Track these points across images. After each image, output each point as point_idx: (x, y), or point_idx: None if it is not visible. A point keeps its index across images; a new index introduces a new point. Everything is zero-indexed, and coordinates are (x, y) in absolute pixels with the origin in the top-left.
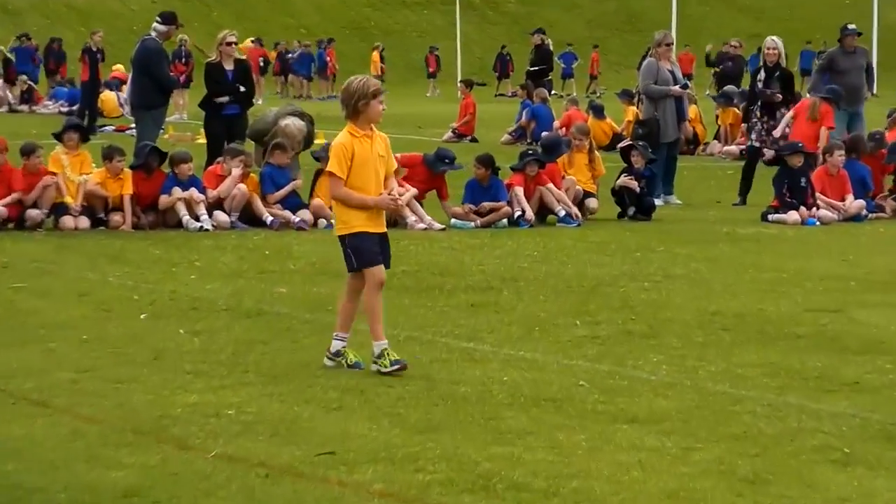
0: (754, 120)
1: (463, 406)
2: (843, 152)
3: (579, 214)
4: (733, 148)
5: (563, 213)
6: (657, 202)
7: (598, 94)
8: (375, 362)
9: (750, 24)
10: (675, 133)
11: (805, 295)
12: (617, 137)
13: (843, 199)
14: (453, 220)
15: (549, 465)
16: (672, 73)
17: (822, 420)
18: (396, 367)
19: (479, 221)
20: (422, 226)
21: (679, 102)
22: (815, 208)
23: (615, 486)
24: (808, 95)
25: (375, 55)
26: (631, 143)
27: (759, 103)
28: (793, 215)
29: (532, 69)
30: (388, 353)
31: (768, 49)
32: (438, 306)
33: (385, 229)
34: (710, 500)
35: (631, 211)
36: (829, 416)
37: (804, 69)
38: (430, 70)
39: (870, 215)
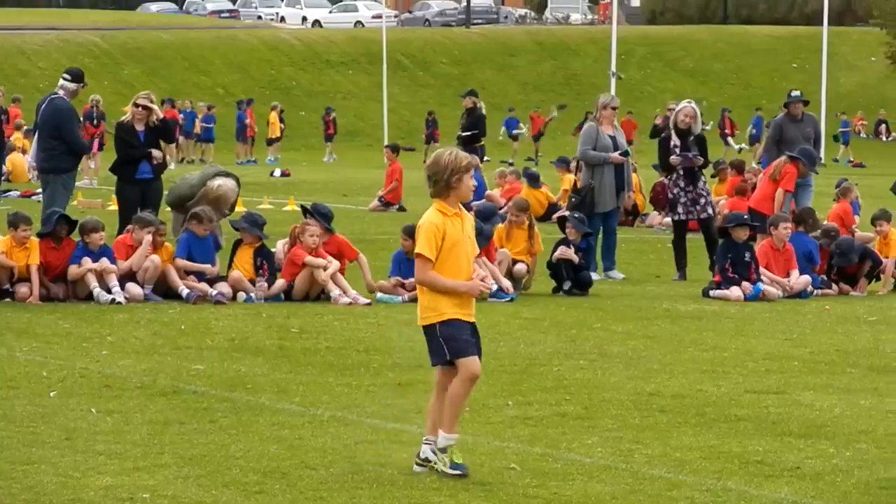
0: (677, 191)
1: (389, 490)
2: (788, 225)
3: (511, 288)
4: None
5: (495, 287)
6: (595, 276)
7: (535, 163)
8: (433, 454)
9: (694, 89)
10: (612, 203)
11: (747, 375)
12: (553, 207)
13: (788, 275)
14: (379, 295)
15: None
16: (614, 138)
17: None
18: (457, 472)
19: (406, 296)
20: (346, 300)
21: (620, 171)
22: (759, 283)
23: None
24: (753, 166)
25: (273, 116)
26: (565, 213)
27: (681, 172)
28: (735, 291)
29: (464, 134)
30: (452, 452)
31: (686, 115)
32: (364, 385)
33: (474, 319)
34: None
35: (567, 285)
36: (769, 502)
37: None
38: (328, 133)
39: (816, 292)
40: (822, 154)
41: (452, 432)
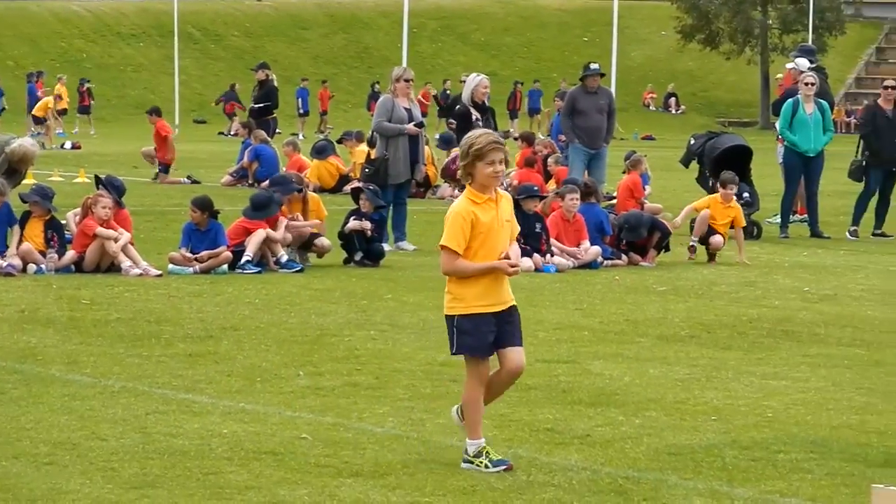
0: None
1: (181, 460)
2: (576, 196)
3: (305, 259)
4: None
5: (285, 257)
6: (387, 248)
7: (325, 134)
8: (470, 461)
9: (485, 62)
10: (405, 174)
11: (537, 345)
12: (344, 178)
13: (578, 245)
14: (170, 266)
15: None
16: (409, 111)
17: (552, 473)
18: (502, 467)
19: (197, 267)
20: (137, 271)
21: (414, 143)
22: (549, 255)
23: None
24: (540, 137)
25: (60, 88)
26: (360, 185)
27: None
28: (526, 262)
29: (256, 106)
30: (487, 452)
31: (484, 88)
32: (155, 356)
33: (512, 301)
34: None
35: (358, 256)
36: (560, 469)
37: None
38: (82, 104)
39: (605, 262)
40: (615, 127)
41: (477, 437)
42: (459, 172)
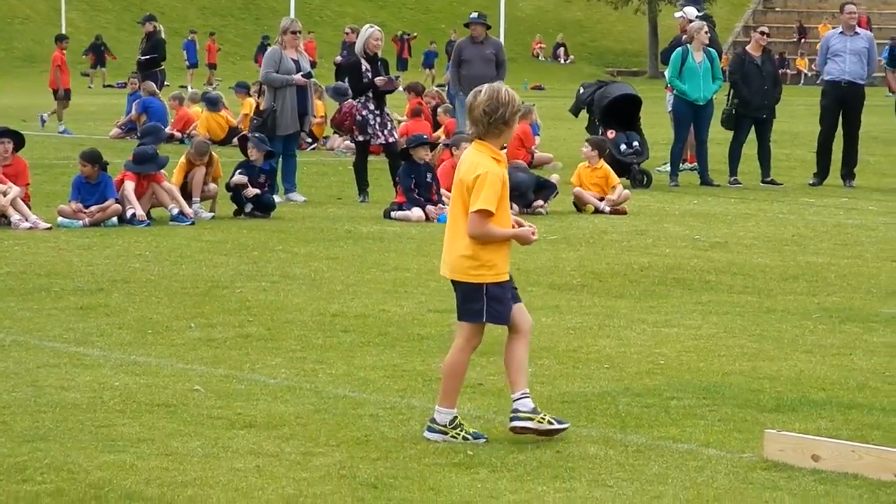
0: (366, 113)
1: (73, 413)
2: (469, 146)
3: (192, 213)
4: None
5: (175, 210)
6: (277, 199)
7: (213, 86)
8: (441, 431)
9: (373, 13)
10: (294, 126)
11: (429, 295)
12: (233, 131)
13: None
14: (60, 219)
15: (164, 473)
16: (297, 62)
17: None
18: (481, 440)
19: (87, 220)
20: (27, 225)
21: (303, 95)
22: (440, 204)
23: (232, 494)
24: (434, 89)
25: None
26: (246, 135)
27: (370, 95)
28: (417, 212)
29: (143, 58)
30: (462, 424)
31: (376, 40)
32: (45, 309)
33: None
34: None
35: (248, 208)
36: None
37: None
38: None
39: None
40: (504, 76)
41: (452, 406)
42: (487, 125)
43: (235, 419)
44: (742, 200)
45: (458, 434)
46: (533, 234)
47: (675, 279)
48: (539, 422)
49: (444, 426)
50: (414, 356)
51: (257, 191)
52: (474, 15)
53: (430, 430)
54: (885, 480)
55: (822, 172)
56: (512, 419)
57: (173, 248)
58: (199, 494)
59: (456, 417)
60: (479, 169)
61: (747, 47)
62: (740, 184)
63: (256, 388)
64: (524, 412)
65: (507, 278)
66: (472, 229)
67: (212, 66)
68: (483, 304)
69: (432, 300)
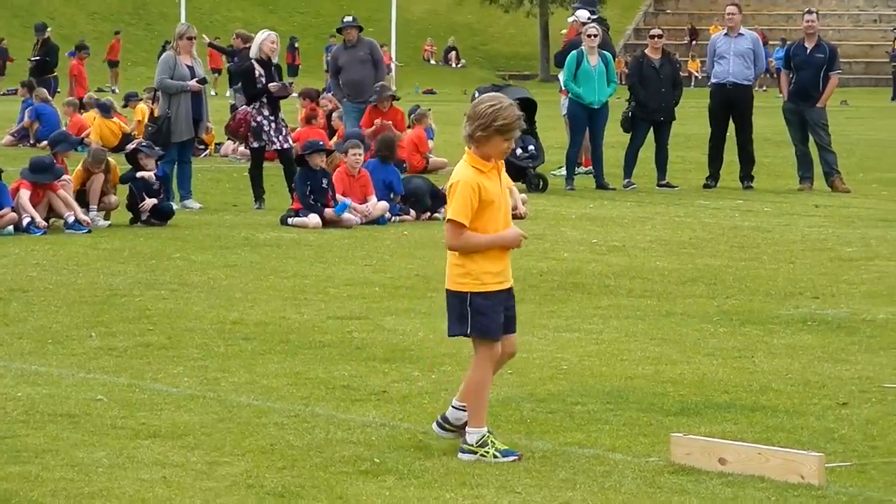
0: (261, 119)
1: None
2: (359, 150)
3: (90, 220)
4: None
5: (72, 219)
6: (175, 206)
7: (112, 91)
8: (472, 451)
9: (263, 17)
10: (188, 132)
11: (329, 301)
12: (127, 137)
13: (365, 201)
14: None
15: (70, 484)
16: (192, 68)
17: (351, 430)
18: (511, 458)
19: None
20: None
21: (198, 101)
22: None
23: None
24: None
25: None
26: (136, 145)
27: (265, 101)
28: (314, 219)
29: (34, 64)
30: (492, 441)
31: (272, 43)
32: None
33: (512, 282)
34: None
35: (145, 216)
36: (358, 425)
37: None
38: None
39: (394, 218)
40: (383, 75)
41: (481, 424)
42: (468, 134)
43: (140, 429)
44: (638, 204)
45: (488, 453)
46: (519, 236)
47: (575, 284)
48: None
49: (473, 445)
50: (316, 364)
51: (154, 201)
52: (348, 19)
53: (461, 451)
54: (791, 482)
55: (714, 175)
56: (438, 425)
57: (70, 257)
58: None
59: (485, 436)
60: (454, 178)
61: (646, 50)
62: (635, 186)
63: (160, 397)
64: (449, 425)
65: (497, 289)
66: (446, 240)
67: (113, 64)
68: (467, 315)
69: (332, 307)
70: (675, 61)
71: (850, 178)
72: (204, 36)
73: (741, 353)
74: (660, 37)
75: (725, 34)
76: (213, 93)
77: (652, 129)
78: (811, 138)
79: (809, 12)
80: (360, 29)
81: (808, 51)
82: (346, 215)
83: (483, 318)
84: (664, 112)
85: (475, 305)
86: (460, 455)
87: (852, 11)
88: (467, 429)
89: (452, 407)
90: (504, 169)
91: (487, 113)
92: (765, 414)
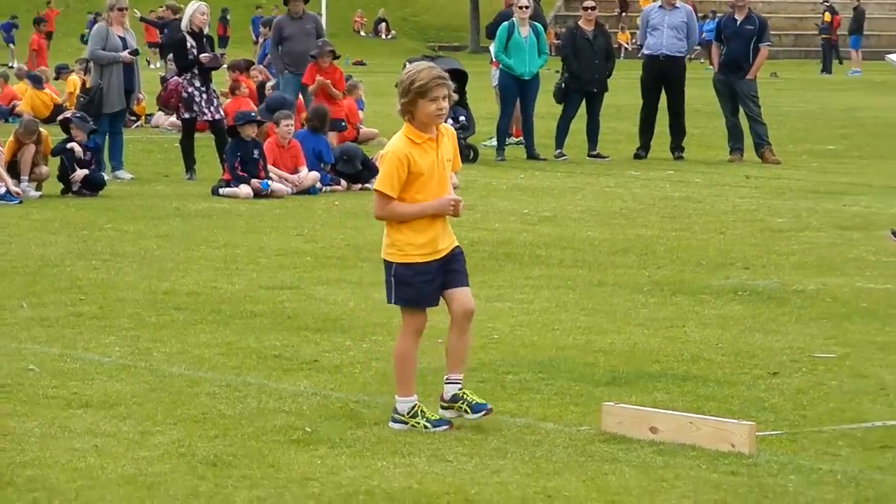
0: (192, 90)
1: None
2: (290, 122)
3: (21, 192)
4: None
5: (2, 189)
6: (106, 177)
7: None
8: (403, 421)
9: None
10: (120, 103)
11: (260, 271)
12: (58, 108)
13: (296, 171)
14: None
15: (2, 454)
16: (124, 39)
17: (282, 399)
18: (442, 427)
19: None
20: None
21: (129, 72)
22: (267, 181)
23: (72, 474)
24: (256, 66)
25: None
26: (67, 115)
27: (196, 72)
28: (245, 189)
29: None
30: (421, 410)
31: (202, 14)
32: None
33: (455, 242)
34: (171, 483)
35: (76, 187)
36: (289, 395)
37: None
38: None
39: (325, 188)
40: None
41: (409, 393)
42: (399, 109)
43: (72, 399)
44: (569, 174)
45: (418, 423)
46: (454, 203)
47: (506, 254)
48: (457, 409)
49: (404, 415)
50: (248, 333)
51: (85, 172)
52: None
53: (393, 420)
54: (722, 451)
55: (644, 146)
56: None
57: (1, 227)
58: (38, 475)
59: (415, 406)
60: (385, 149)
61: (579, 22)
62: (566, 157)
63: (91, 367)
64: (445, 402)
65: (425, 259)
66: (374, 210)
67: (48, 36)
68: (391, 284)
69: (263, 277)
70: (608, 33)
71: (781, 150)
72: (135, 10)
73: (672, 323)
74: (593, 8)
75: (660, 6)
76: (153, 66)
77: (584, 100)
78: (741, 110)
79: None
80: (307, 1)
81: (739, 23)
82: (277, 185)
83: (406, 288)
84: (597, 83)
85: (398, 275)
86: (391, 424)
87: None
88: (396, 398)
89: (446, 384)
90: (452, 143)
91: (405, 80)
92: (696, 383)
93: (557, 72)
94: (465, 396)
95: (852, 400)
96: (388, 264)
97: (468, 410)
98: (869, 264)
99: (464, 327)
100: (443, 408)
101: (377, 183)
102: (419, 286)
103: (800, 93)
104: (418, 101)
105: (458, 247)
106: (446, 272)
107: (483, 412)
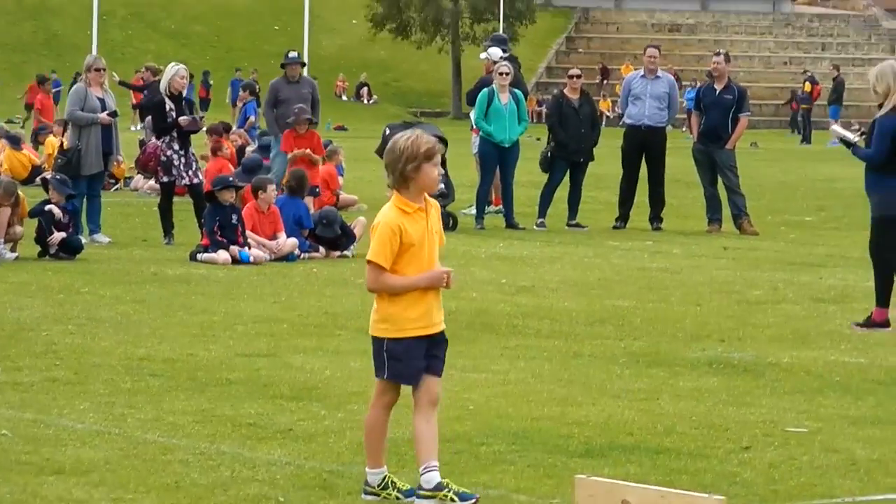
0: (170, 153)
1: None
2: (274, 187)
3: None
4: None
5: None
6: (84, 240)
7: (20, 123)
8: (374, 493)
9: (176, 51)
10: (98, 165)
11: (237, 338)
12: (36, 169)
13: (274, 237)
14: None
15: None
16: (102, 100)
17: (256, 468)
18: (411, 499)
19: None
20: None
21: (108, 134)
22: (246, 247)
23: None
24: (236, 130)
25: None
26: (46, 177)
27: (175, 135)
28: (223, 255)
29: None
30: (394, 482)
31: (181, 78)
32: None
33: (443, 326)
34: None
35: (53, 249)
36: (263, 464)
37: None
38: None
39: (303, 255)
40: (318, 117)
41: (379, 465)
42: (393, 178)
43: (44, 465)
44: (548, 244)
45: (390, 495)
46: (446, 275)
47: (483, 324)
48: (441, 499)
49: (374, 487)
50: (223, 401)
51: (63, 235)
52: (293, 54)
53: (365, 492)
54: None
55: (623, 216)
56: (416, 495)
57: None
58: None
59: (385, 477)
60: (377, 219)
61: (564, 90)
62: (545, 227)
63: (65, 433)
64: (426, 490)
65: (418, 334)
66: (367, 282)
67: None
68: (383, 359)
69: (240, 344)
70: (594, 101)
71: (759, 221)
72: (114, 74)
73: (647, 395)
74: (578, 77)
75: (642, 75)
76: (133, 128)
77: (569, 169)
78: (720, 180)
79: (717, 54)
80: (304, 66)
81: (718, 92)
82: (255, 252)
83: (397, 363)
84: (583, 153)
85: (390, 351)
86: (364, 496)
87: (763, 53)
88: (366, 469)
89: (423, 473)
90: (438, 215)
91: (409, 146)
92: (669, 456)
93: (538, 139)
94: (449, 485)
95: (823, 475)
96: (378, 340)
97: (454, 499)
98: (843, 337)
99: (430, 415)
100: (421, 497)
101: (370, 254)
102: (410, 362)
103: (779, 163)
104: (425, 164)
105: (443, 330)
106: (428, 356)
107: (472, 501)
